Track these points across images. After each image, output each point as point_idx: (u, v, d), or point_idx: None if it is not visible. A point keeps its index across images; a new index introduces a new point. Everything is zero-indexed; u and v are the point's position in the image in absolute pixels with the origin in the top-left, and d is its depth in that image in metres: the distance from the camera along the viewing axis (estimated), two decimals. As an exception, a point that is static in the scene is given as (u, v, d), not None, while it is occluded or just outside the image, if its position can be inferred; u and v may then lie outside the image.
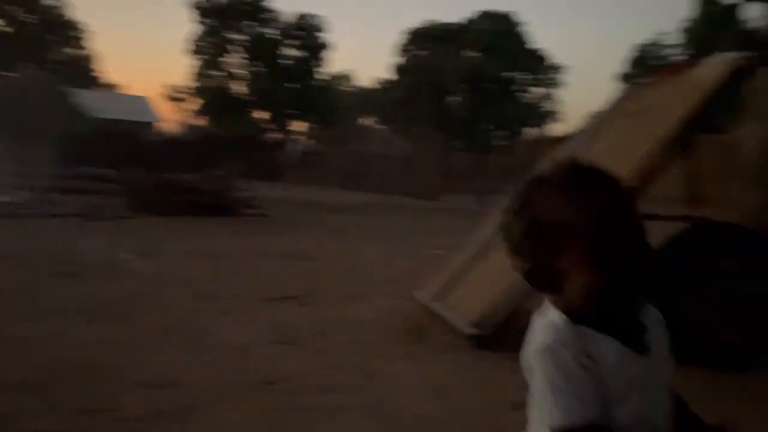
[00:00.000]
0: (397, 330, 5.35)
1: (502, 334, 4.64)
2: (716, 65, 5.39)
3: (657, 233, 4.81)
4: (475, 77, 31.56)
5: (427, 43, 34.29)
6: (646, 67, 26.17)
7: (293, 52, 35.56)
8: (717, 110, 5.24)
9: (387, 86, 37.92)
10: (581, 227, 1.02)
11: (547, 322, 1.10)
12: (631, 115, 5.72)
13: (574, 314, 1.07)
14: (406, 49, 36.00)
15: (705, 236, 4.66)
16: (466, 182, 24.84)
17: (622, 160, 5.09)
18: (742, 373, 4.11)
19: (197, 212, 13.36)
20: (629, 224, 1.03)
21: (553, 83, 35.21)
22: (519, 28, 33.88)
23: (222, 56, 35.01)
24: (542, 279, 1.09)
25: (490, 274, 5.17)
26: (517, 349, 1.10)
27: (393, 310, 5.98)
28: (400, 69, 35.91)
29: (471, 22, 33.62)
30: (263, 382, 4.01)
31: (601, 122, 6.20)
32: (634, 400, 1.05)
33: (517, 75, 33.66)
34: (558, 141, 10.28)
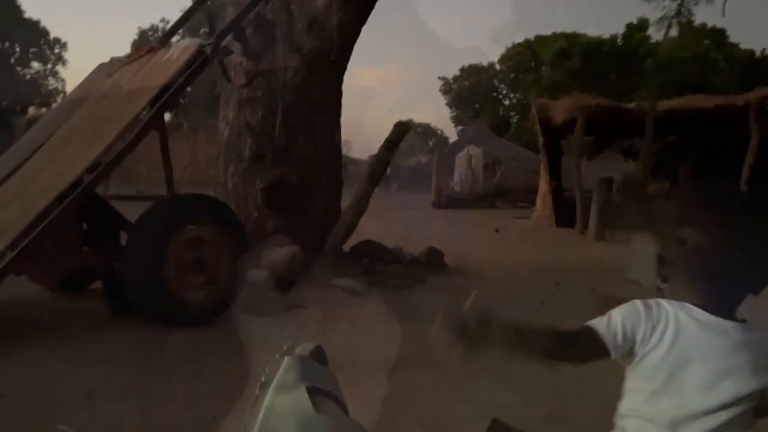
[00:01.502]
0: None
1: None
2: (182, 49, 5.67)
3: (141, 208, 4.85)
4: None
5: None
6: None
7: None
8: (182, 91, 5.51)
9: None
10: None
11: None
12: (104, 95, 5.59)
13: None
14: None
15: (178, 208, 4.91)
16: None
17: (94, 139, 4.94)
18: (204, 326, 4.47)
19: None
20: None
21: (55, 59, 32.50)
22: (9, -5, 30.03)
23: None
24: None
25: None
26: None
27: None
28: None
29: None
30: None
31: (75, 101, 5.90)
32: None
33: (10, 47, 29.90)
34: (33, 121, 9.50)
